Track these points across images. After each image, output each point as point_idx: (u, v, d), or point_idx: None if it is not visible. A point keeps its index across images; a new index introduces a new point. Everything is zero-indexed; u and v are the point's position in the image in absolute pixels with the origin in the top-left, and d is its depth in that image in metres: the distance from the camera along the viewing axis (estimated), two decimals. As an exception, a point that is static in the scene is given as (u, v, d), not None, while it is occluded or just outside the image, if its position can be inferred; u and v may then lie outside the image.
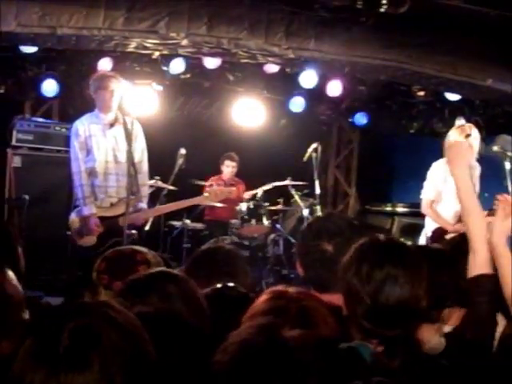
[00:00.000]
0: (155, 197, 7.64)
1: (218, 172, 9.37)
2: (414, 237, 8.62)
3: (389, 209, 10.47)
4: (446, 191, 6.65)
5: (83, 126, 6.37)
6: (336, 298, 2.50)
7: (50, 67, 8.19)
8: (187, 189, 7.57)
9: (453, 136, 6.52)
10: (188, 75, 8.45)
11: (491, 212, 6.07)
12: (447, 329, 2.71)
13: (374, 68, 7.17)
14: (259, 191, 9.00)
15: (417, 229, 8.33)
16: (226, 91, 9.16)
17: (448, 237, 6.25)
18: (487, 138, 7.20)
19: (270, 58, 7.06)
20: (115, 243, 6.12)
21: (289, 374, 1.60)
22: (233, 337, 1.71)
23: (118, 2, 6.22)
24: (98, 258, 3.03)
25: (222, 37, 6.55)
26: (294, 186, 9.14)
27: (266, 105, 9.37)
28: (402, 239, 9.12)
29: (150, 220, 7.64)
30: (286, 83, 9.09)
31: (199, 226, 9.05)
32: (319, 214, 8.28)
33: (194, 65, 8.19)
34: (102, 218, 6.32)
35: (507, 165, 6.50)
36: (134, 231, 6.36)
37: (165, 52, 7.03)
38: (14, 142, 7.82)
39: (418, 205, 6.94)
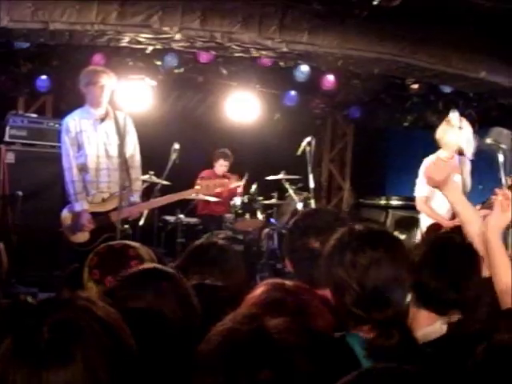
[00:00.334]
0: (149, 192, 7.63)
1: (212, 167, 9.37)
2: (408, 230, 8.63)
3: (383, 202, 10.48)
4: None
5: (74, 122, 6.35)
6: (326, 294, 2.50)
7: (43, 63, 8.17)
8: (181, 184, 7.54)
9: (442, 129, 6.54)
10: (181, 70, 8.44)
11: (484, 205, 6.10)
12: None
13: (367, 61, 7.17)
14: (253, 187, 9.01)
15: (411, 222, 8.34)
16: (219, 85, 9.15)
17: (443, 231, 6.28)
18: (481, 130, 7.20)
19: (264, 52, 7.05)
20: (108, 238, 6.12)
21: (272, 361, 1.60)
22: (216, 327, 1.71)
23: (111, -4, 6.21)
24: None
25: (215, 31, 6.54)
26: (288, 179, 9.14)
27: (259, 99, 9.36)
28: (397, 232, 9.18)
29: (144, 215, 7.63)
30: (279, 77, 9.08)
31: (193, 220, 9.04)
32: (312, 207, 8.28)
33: (187, 59, 8.17)
34: (93, 214, 6.31)
35: (501, 157, 6.51)
36: (126, 226, 6.35)
37: (158, 46, 7.01)
38: (7, 138, 7.81)
39: (412, 198, 6.94)
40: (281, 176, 9.08)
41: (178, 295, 2.19)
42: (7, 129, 7.83)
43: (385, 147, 11.63)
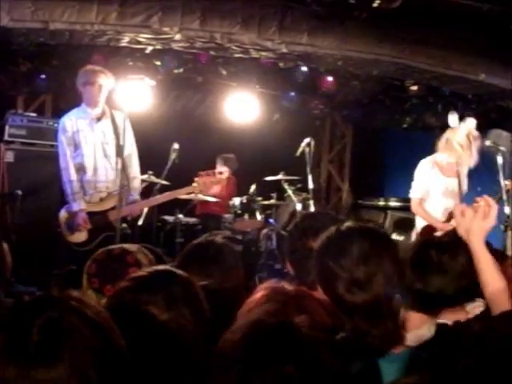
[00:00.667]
0: (148, 191, 7.63)
1: (212, 167, 9.35)
2: (407, 231, 8.64)
3: (381, 203, 10.49)
4: (434, 189, 6.66)
5: (70, 122, 6.35)
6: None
7: (42, 62, 8.17)
8: (180, 184, 7.54)
9: (460, 137, 6.50)
10: (181, 70, 8.44)
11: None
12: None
13: (367, 63, 7.18)
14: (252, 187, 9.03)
15: (410, 223, 8.33)
16: (219, 86, 9.15)
17: (438, 234, 6.29)
18: (480, 132, 7.21)
19: (263, 53, 7.07)
20: (106, 238, 6.14)
21: (298, 356, 1.60)
22: (240, 321, 1.71)
23: (111, -4, 6.22)
24: (91, 252, 3.01)
25: (215, 31, 6.55)
26: (287, 180, 9.15)
27: (259, 99, 9.36)
28: (395, 233, 9.20)
29: (144, 214, 7.63)
30: (279, 78, 9.08)
31: (192, 220, 9.04)
32: (312, 208, 8.29)
33: (186, 59, 8.17)
34: (91, 213, 6.32)
35: (499, 159, 6.52)
36: (124, 225, 6.36)
37: (158, 47, 7.02)
38: (6, 137, 7.82)
39: (410, 200, 6.95)
40: (280, 177, 9.08)
41: (189, 300, 2.18)
42: (6, 128, 7.84)
43: (383, 148, 11.64)
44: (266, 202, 9.22)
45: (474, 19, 6.63)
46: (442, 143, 6.62)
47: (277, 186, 9.32)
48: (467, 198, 6.72)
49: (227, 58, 7.72)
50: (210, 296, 2.40)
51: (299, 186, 9.27)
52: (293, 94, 9.64)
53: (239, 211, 8.93)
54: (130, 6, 6.27)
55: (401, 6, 6.12)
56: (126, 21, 6.30)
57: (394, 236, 8.93)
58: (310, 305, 2.27)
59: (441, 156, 6.67)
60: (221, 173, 8.39)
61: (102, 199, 6.43)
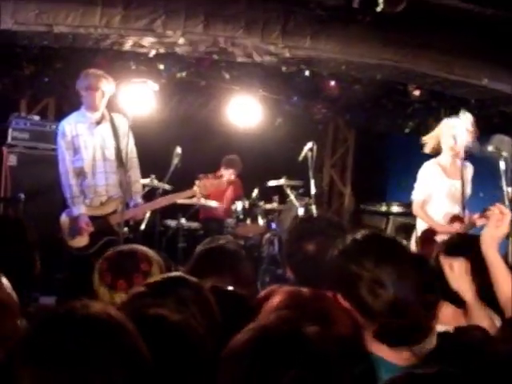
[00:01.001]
0: (151, 195, 7.63)
1: (215, 171, 9.35)
2: (408, 236, 8.63)
3: (384, 208, 10.47)
4: (436, 192, 6.66)
5: (70, 126, 6.36)
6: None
7: (45, 65, 8.18)
8: (183, 188, 7.54)
9: (461, 126, 6.54)
10: (184, 74, 8.45)
11: (483, 214, 6.12)
12: (441, 328, 2.72)
13: (370, 67, 7.18)
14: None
15: (411, 228, 8.33)
16: (221, 90, 9.15)
17: (438, 237, 6.29)
18: (482, 137, 7.20)
19: (266, 57, 7.07)
20: (107, 242, 6.14)
21: (307, 365, 1.60)
22: (251, 324, 1.71)
23: (115, 0, 6.22)
24: (92, 257, 3.07)
25: (218, 35, 6.56)
26: (289, 185, 9.14)
27: (261, 103, 9.36)
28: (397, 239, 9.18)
29: (146, 219, 7.63)
30: (281, 82, 9.08)
31: (194, 225, 9.04)
32: (314, 213, 8.29)
33: (189, 63, 8.18)
34: (92, 218, 6.32)
35: (502, 165, 6.52)
36: (125, 229, 6.36)
37: (161, 50, 7.02)
38: (9, 141, 7.83)
39: (412, 204, 6.95)
40: (282, 181, 9.07)
41: (200, 303, 2.20)
42: (10, 131, 7.85)
43: (386, 153, 11.63)
44: (268, 207, 9.21)
45: (477, 24, 6.64)
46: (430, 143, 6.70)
47: (279, 191, 9.32)
48: (470, 204, 6.73)
49: (230, 62, 7.73)
50: (224, 300, 2.41)
51: (301, 190, 9.27)
52: (295, 98, 9.64)
53: (241, 216, 8.93)
54: (134, 9, 6.28)
55: (404, 11, 6.13)
56: (129, 24, 6.32)
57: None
58: (331, 307, 2.27)
59: (444, 158, 6.69)
60: (221, 175, 8.40)
61: (102, 203, 6.44)
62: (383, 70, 7.24)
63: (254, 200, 9.08)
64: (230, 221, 9.04)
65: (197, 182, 6.97)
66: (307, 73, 8.34)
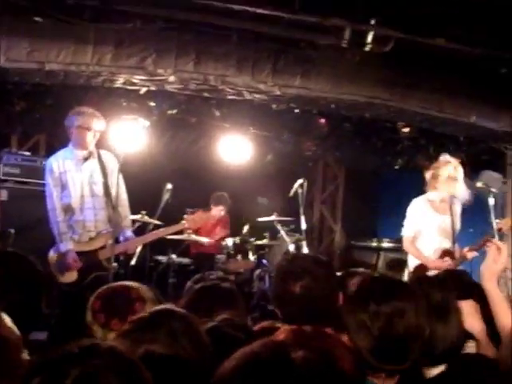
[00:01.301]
0: (141, 232, 7.63)
1: (205, 207, 9.36)
2: (399, 272, 8.63)
3: (374, 244, 10.50)
4: (426, 227, 6.69)
5: (57, 162, 6.36)
6: None
7: (37, 102, 8.22)
8: (173, 224, 7.55)
9: (445, 171, 6.59)
10: (175, 111, 8.49)
11: (473, 247, 6.14)
12: None
13: (359, 105, 7.23)
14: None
15: (402, 264, 8.34)
16: (212, 127, 9.19)
17: (430, 273, 6.30)
18: (471, 174, 7.26)
19: (257, 95, 7.12)
20: (96, 277, 6.12)
21: None
22: (239, 351, 1.72)
23: (106, 38, 6.27)
24: (82, 291, 3.06)
25: (209, 73, 6.60)
26: (280, 221, 9.16)
27: (252, 141, 9.40)
28: (388, 274, 9.17)
29: (136, 254, 7.62)
30: (272, 119, 9.14)
31: (185, 260, 9.03)
32: (305, 249, 8.30)
33: (180, 100, 8.23)
34: (80, 253, 6.30)
35: (491, 201, 6.56)
36: (114, 264, 6.33)
37: (152, 88, 7.07)
38: (0, 176, 7.83)
39: (402, 239, 6.97)
40: (273, 217, 9.09)
41: (190, 334, 2.21)
42: (1, 166, 7.86)
43: (376, 190, 11.68)
44: (259, 243, 9.22)
45: (464, 63, 6.73)
46: (430, 181, 6.71)
47: (270, 227, 9.33)
48: (460, 239, 6.76)
49: (221, 99, 7.78)
50: (218, 337, 2.42)
51: (292, 226, 9.29)
52: (286, 135, 9.69)
53: (232, 252, 8.94)
54: (125, 47, 6.33)
55: (392, 50, 6.21)
56: (120, 62, 6.36)
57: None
58: (334, 345, 2.28)
59: (433, 194, 6.72)
60: (210, 209, 8.41)
61: (91, 238, 6.42)
62: (373, 108, 7.29)
63: (245, 236, 9.10)
64: (221, 256, 9.04)
65: (185, 217, 6.98)
66: (297, 110, 8.40)
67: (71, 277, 6.28)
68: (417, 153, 9.44)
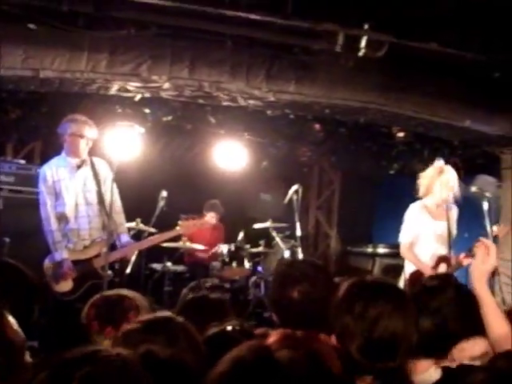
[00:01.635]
0: (136, 239, 7.62)
1: (200, 214, 9.35)
2: (395, 277, 8.63)
3: (370, 250, 10.51)
4: (423, 233, 6.70)
5: (51, 171, 6.35)
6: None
7: (32, 109, 8.21)
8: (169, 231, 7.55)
9: (429, 173, 6.64)
10: (170, 117, 8.49)
11: (469, 254, 6.14)
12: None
13: (353, 110, 7.25)
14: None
15: (398, 269, 8.34)
16: (207, 134, 9.20)
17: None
18: (466, 178, 7.27)
19: (251, 101, 7.12)
20: (92, 286, 6.11)
21: None
22: (226, 356, 1.74)
23: (101, 45, 6.27)
24: (77, 302, 3.08)
25: (203, 80, 6.61)
26: (275, 227, 9.15)
27: (247, 147, 9.41)
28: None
29: (131, 262, 7.60)
30: (267, 125, 9.14)
31: (180, 268, 9.02)
32: (300, 255, 8.29)
33: (175, 107, 8.23)
34: (76, 262, 6.29)
35: (485, 205, 6.57)
36: (109, 272, 6.33)
37: (147, 95, 7.07)
38: (-5, 184, 7.81)
39: (398, 246, 6.98)
40: (268, 224, 9.09)
41: (189, 340, 2.27)
42: (-5, 175, 7.84)
43: (371, 195, 11.69)
44: (254, 250, 9.21)
45: (458, 67, 6.75)
46: (425, 187, 6.73)
47: (265, 234, 9.32)
48: (456, 244, 6.76)
49: (215, 105, 7.78)
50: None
51: (287, 233, 9.29)
52: (281, 141, 9.70)
53: (227, 259, 8.93)
54: (120, 54, 6.33)
55: (386, 55, 6.23)
56: (115, 69, 6.36)
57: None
58: (322, 349, 2.29)
59: (429, 200, 6.73)
60: (204, 215, 8.41)
61: (85, 247, 6.41)
62: (367, 113, 7.31)
63: (240, 243, 9.09)
64: (216, 264, 9.02)
65: (179, 223, 6.98)
66: (292, 116, 8.41)
67: (67, 286, 6.27)
68: (412, 157, 9.45)
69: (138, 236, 7.76)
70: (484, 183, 7.47)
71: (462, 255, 6.34)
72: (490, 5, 5.62)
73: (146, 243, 6.90)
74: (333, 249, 11.84)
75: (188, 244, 8.39)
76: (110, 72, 6.38)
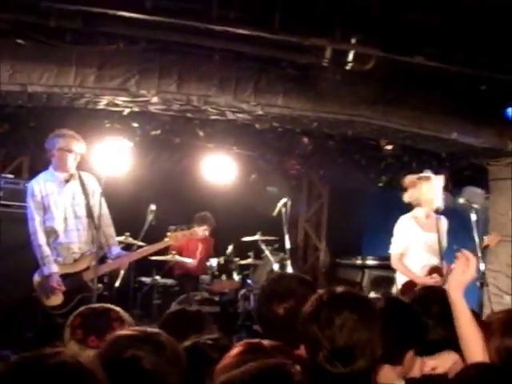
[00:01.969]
0: (126, 253, 7.61)
1: (189, 225, 9.33)
2: (384, 289, 8.66)
3: (359, 262, 10.52)
4: (413, 245, 6.73)
5: (39, 186, 6.33)
6: (301, 353, 2.58)
7: (19, 124, 8.20)
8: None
9: (418, 188, 6.70)
10: (158, 131, 8.50)
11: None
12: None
13: (341, 123, 7.28)
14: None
15: (387, 281, 8.38)
16: (196, 147, 9.20)
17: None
18: (454, 190, 7.32)
19: (239, 115, 7.15)
20: (82, 299, 6.09)
21: None
22: (221, 374, 1.77)
23: (89, 60, 6.28)
24: (67, 316, 3.08)
25: (191, 94, 6.63)
26: (264, 240, 9.15)
27: (236, 160, 9.42)
28: (373, 292, 9.20)
29: (120, 276, 7.58)
30: (255, 139, 9.16)
31: (169, 281, 8.99)
32: (289, 268, 8.29)
33: (164, 121, 8.24)
34: (65, 276, 6.27)
35: (473, 216, 6.61)
36: (99, 285, 6.31)
37: (135, 109, 7.08)
38: (-17, 199, 7.79)
39: (387, 257, 7.00)
40: (257, 237, 9.08)
41: (173, 349, 2.30)
42: (-17, 189, 7.82)
43: (360, 207, 11.70)
44: (243, 262, 9.20)
45: (444, 80, 6.80)
46: (413, 198, 6.78)
47: (254, 246, 9.32)
48: (445, 256, 6.79)
49: (204, 119, 7.80)
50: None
51: (276, 245, 9.28)
52: (269, 154, 9.72)
53: (216, 272, 8.92)
54: (108, 69, 6.34)
55: (373, 68, 6.27)
56: (103, 84, 6.37)
57: (372, 294, 8.94)
58: (286, 358, 2.30)
59: (419, 211, 6.77)
60: (193, 226, 8.40)
61: (75, 260, 6.39)
62: (355, 126, 7.34)
63: (229, 256, 9.09)
64: (205, 277, 9.00)
65: (168, 234, 6.98)
66: (280, 129, 8.43)
67: (57, 300, 6.24)
68: (400, 170, 9.48)
69: (127, 250, 7.73)
70: (472, 195, 7.51)
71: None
72: (475, 19, 5.67)
73: (135, 255, 6.88)
74: (322, 261, 11.85)
75: (177, 257, 8.38)
76: (99, 87, 6.39)
